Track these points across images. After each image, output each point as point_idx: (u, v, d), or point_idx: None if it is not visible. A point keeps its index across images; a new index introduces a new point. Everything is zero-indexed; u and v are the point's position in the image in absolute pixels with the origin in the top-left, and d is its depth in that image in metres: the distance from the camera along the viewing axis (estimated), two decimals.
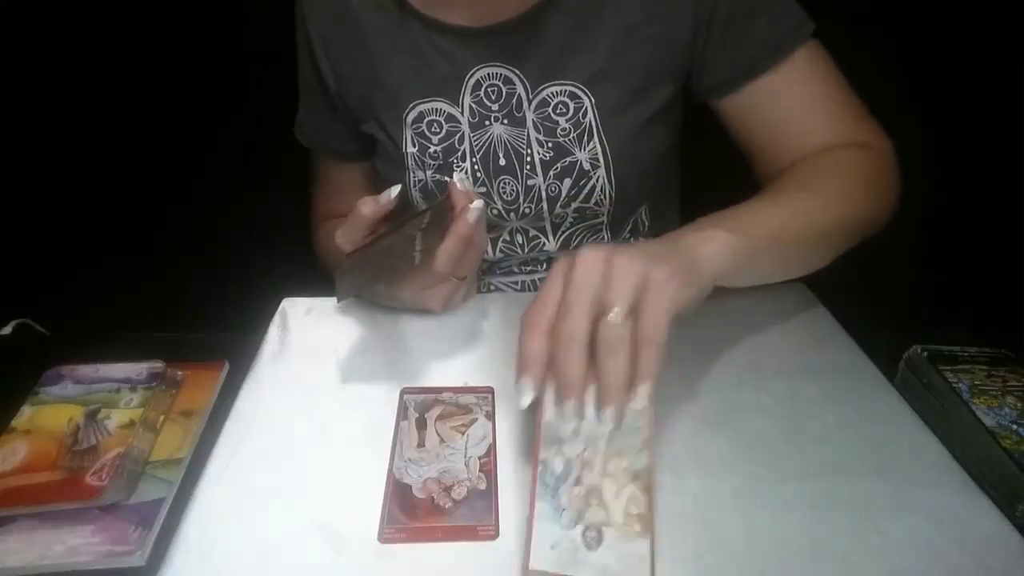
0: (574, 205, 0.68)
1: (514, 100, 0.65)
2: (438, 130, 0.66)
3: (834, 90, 0.63)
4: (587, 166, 0.65)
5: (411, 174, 0.68)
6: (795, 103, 0.63)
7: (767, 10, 0.61)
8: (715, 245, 0.47)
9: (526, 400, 0.41)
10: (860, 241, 0.59)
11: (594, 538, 0.38)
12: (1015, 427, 0.47)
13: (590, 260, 0.41)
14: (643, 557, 0.37)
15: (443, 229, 0.51)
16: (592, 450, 0.41)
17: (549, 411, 0.41)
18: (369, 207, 0.51)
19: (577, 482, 0.40)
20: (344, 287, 0.50)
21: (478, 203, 0.51)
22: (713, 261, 0.46)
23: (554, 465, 0.40)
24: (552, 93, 0.64)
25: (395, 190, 0.52)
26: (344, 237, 0.52)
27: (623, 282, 0.40)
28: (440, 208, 0.52)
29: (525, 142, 0.66)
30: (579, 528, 0.38)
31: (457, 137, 0.66)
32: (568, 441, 0.41)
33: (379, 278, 0.54)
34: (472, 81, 0.65)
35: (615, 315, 0.39)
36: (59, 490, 0.45)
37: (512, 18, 0.62)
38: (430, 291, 0.56)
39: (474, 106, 0.66)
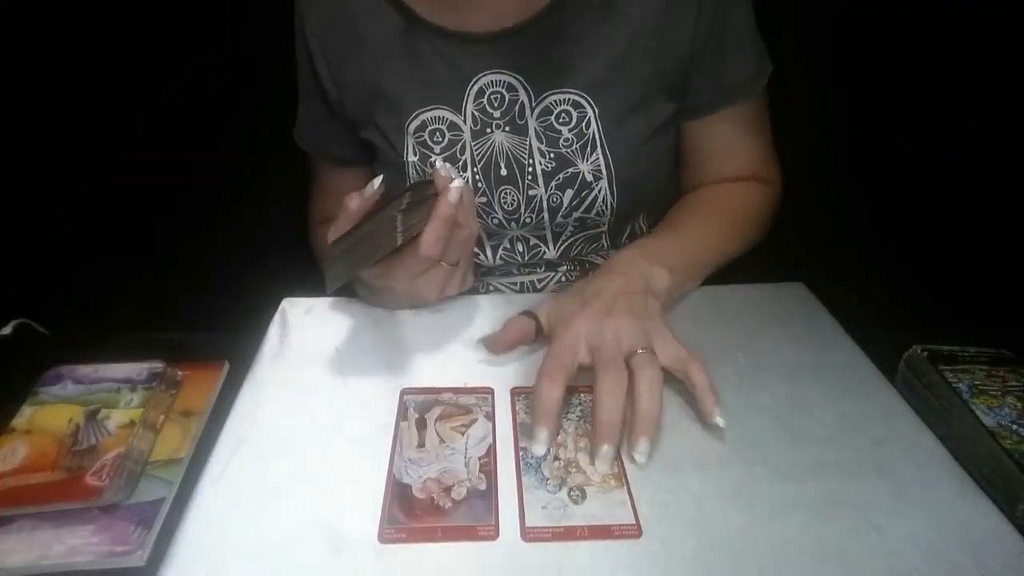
0: (575, 215, 0.67)
1: (516, 107, 0.64)
2: (440, 139, 0.66)
3: (764, 130, 0.72)
4: (589, 177, 0.65)
5: (411, 183, 0.68)
6: (735, 136, 0.70)
7: (744, 46, 0.66)
8: (665, 285, 0.57)
9: (540, 449, 0.47)
10: None
11: (578, 495, 0.44)
12: (1015, 427, 0.47)
13: (611, 340, 0.50)
14: (623, 502, 0.44)
15: (427, 213, 0.50)
16: (562, 435, 0.49)
17: (522, 411, 0.51)
18: (355, 201, 0.50)
19: (555, 458, 0.47)
20: (332, 275, 0.50)
21: (458, 182, 0.50)
22: (666, 298, 0.58)
23: (533, 449, 0.47)
24: (555, 101, 0.64)
25: (378, 181, 0.52)
26: (335, 235, 0.52)
27: (637, 354, 0.50)
28: (421, 190, 0.51)
29: (527, 151, 0.65)
30: (564, 491, 0.45)
31: (459, 147, 0.66)
32: None
33: (364, 262, 0.53)
34: (475, 88, 0.65)
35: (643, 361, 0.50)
36: (59, 490, 0.45)
37: (515, 25, 0.62)
38: (422, 279, 0.54)
39: (476, 113, 0.65)
